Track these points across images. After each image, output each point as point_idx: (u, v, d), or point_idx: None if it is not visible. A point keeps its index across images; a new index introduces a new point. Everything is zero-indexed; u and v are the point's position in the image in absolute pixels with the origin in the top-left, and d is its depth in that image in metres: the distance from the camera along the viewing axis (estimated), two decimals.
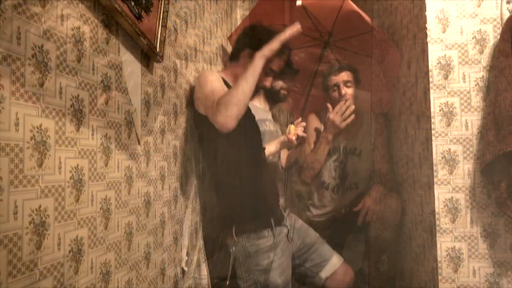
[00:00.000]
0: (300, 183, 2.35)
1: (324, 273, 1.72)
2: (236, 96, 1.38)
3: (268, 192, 1.67)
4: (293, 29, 1.52)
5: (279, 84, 2.20)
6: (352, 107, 1.99)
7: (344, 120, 1.99)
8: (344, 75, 2.11)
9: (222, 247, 1.85)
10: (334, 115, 1.98)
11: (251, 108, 1.80)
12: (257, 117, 1.76)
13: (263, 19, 2.21)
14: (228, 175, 1.59)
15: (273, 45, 1.49)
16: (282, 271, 1.57)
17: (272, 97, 2.21)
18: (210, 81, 1.53)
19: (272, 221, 1.58)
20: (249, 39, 1.65)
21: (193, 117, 1.63)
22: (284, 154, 2.36)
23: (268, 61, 1.52)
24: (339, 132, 2.05)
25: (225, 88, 1.53)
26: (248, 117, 1.70)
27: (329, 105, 2.05)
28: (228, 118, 1.36)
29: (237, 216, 1.59)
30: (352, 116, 2.00)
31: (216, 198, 1.70)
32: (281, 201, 1.92)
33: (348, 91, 2.09)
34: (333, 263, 1.74)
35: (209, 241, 1.86)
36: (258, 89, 1.98)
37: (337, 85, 2.10)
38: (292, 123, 1.89)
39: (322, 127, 2.19)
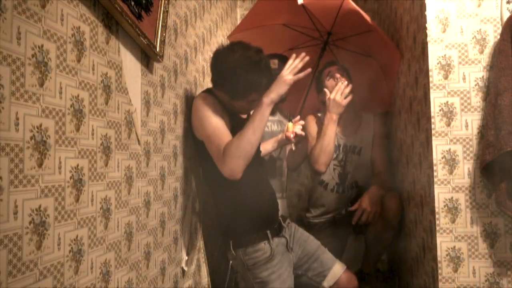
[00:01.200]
0: (313, 173, 2.26)
1: (327, 283, 1.66)
2: (244, 149, 1.36)
3: (266, 203, 1.64)
4: (302, 69, 1.44)
5: None
6: (350, 86, 2.00)
7: (345, 98, 1.99)
8: (337, 67, 2.16)
9: (223, 258, 1.83)
10: (335, 94, 2.00)
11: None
12: None
13: (260, 20, 2.21)
14: (225, 186, 1.54)
15: (281, 89, 1.43)
16: (282, 282, 1.56)
17: None
18: (210, 117, 1.46)
19: (268, 233, 1.56)
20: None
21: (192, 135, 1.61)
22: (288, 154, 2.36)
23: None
24: (340, 116, 2.04)
25: (224, 117, 1.48)
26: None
27: (326, 90, 2.06)
28: (235, 172, 1.36)
29: (234, 229, 1.58)
30: (351, 96, 2.00)
31: (215, 210, 1.69)
32: (281, 209, 1.89)
33: (342, 78, 2.12)
34: (335, 272, 1.68)
35: (209, 241, 1.86)
36: None
37: (332, 74, 2.13)
38: (290, 121, 1.88)
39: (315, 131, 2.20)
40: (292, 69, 1.45)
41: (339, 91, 1.99)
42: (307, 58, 1.47)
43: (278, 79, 1.44)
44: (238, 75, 1.45)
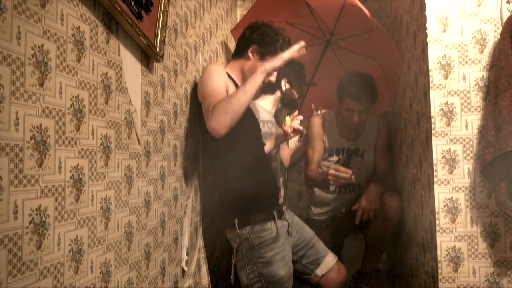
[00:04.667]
0: (304, 181, 2.31)
1: (320, 271, 1.75)
2: (232, 106, 1.43)
3: (270, 185, 1.70)
4: (298, 51, 1.56)
5: (296, 93, 2.23)
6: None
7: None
8: None
9: (222, 241, 1.84)
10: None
11: (254, 108, 1.80)
12: (259, 118, 1.76)
13: (262, 16, 2.21)
14: (229, 169, 1.61)
15: (276, 63, 1.53)
16: (285, 264, 1.59)
17: (288, 103, 2.21)
18: (213, 79, 1.54)
19: (274, 214, 1.60)
20: (253, 35, 1.70)
21: (198, 110, 1.63)
22: (283, 152, 2.36)
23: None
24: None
25: (228, 87, 1.56)
26: (249, 114, 1.70)
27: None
28: (220, 126, 1.42)
29: (239, 209, 1.60)
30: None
31: (217, 191, 1.70)
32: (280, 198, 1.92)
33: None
34: (328, 261, 1.77)
35: (209, 241, 1.86)
36: (269, 87, 2.03)
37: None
38: (288, 115, 1.85)
39: (324, 136, 2.23)
40: (290, 52, 1.56)
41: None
42: (304, 48, 1.59)
43: (276, 56, 1.57)
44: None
